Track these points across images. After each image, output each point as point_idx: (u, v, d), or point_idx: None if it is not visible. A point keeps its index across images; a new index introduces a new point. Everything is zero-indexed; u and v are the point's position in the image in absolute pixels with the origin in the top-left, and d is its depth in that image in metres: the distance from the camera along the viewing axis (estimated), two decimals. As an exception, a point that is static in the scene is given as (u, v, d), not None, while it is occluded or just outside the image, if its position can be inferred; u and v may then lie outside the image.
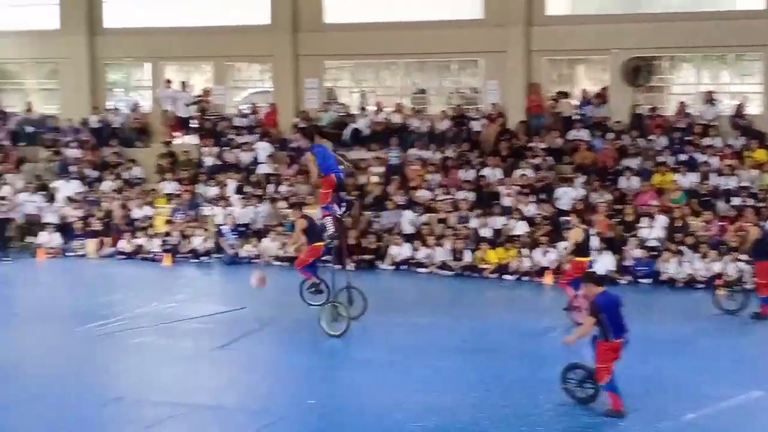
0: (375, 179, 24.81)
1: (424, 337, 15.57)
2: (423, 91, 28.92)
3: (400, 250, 22.12)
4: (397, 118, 27.20)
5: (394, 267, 21.98)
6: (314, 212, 17.71)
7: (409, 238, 22.45)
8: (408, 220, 22.98)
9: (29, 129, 29.77)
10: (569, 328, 15.03)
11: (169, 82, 28.91)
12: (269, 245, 22.80)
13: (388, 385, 12.63)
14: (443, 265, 21.53)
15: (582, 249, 16.21)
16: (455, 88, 28.84)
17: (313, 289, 16.80)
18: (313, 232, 16.82)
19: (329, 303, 15.94)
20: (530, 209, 22.65)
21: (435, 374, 13.23)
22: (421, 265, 21.75)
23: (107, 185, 26.19)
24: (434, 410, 11.57)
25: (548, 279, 20.29)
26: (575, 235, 16.30)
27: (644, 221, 21.53)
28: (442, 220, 22.92)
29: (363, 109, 27.92)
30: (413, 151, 26.01)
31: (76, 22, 29.85)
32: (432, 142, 26.24)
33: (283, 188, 24.91)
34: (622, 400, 11.42)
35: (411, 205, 23.58)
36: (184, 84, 28.63)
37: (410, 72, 29.18)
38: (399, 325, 16.34)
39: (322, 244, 16.72)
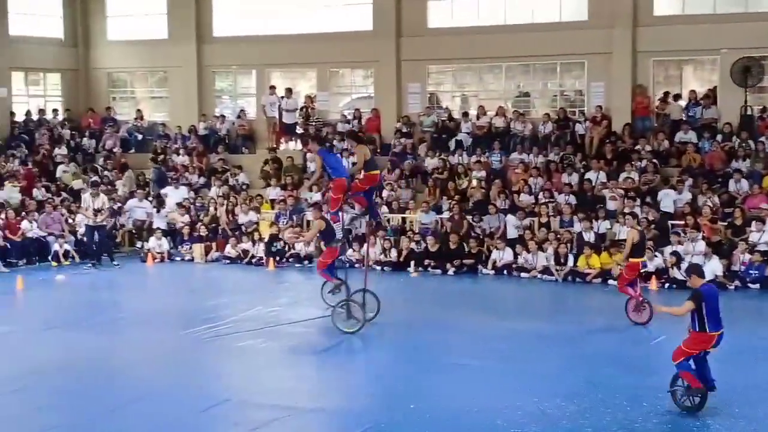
0: (476, 183, 24.73)
1: (526, 342, 15.43)
2: (526, 94, 28.73)
3: (502, 255, 21.99)
4: (499, 122, 27.07)
5: (495, 271, 21.86)
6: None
7: (511, 243, 22.30)
8: (511, 225, 22.82)
9: (139, 136, 30.61)
10: (676, 334, 14.69)
11: (272, 88, 29.34)
12: (370, 250, 22.88)
13: (487, 391, 12.54)
14: (545, 270, 21.32)
15: (637, 249, 16.39)
16: (559, 91, 28.56)
17: (336, 290, 16.77)
18: (332, 233, 16.83)
19: (343, 301, 16.10)
20: (636, 213, 22.22)
21: (536, 380, 13.08)
22: (523, 269, 21.58)
23: (214, 191, 26.71)
24: (535, 417, 11.44)
25: (654, 284, 19.90)
26: (632, 236, 16.46)
27: (754, 225, 20.95)
28: (544, 225, 22.71)
29: (465, 113, 27.86)
30: (515, 155, 25.86)
31: (185, 32, 30.57)
32: (535, 145, 26.05)
33: (385, 193, 25.01)
34: (697, 378, 11.19)
35: (513, 209, 23.42)
36: (289, 90, 29.01)
37: (513, 75, 29.03)
38: (500, 330, 16.24)
39: (338, 247, 16.83)
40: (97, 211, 22.93)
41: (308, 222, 24.56)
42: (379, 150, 27.08)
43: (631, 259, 16.41)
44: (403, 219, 24.38)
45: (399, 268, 22.40)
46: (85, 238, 23.77)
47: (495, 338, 15.73)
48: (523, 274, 21.49)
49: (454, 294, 20.20)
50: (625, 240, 21.05)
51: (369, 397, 12.51)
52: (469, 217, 23.43)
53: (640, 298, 16.35)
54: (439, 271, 22.11)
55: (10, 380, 13.15)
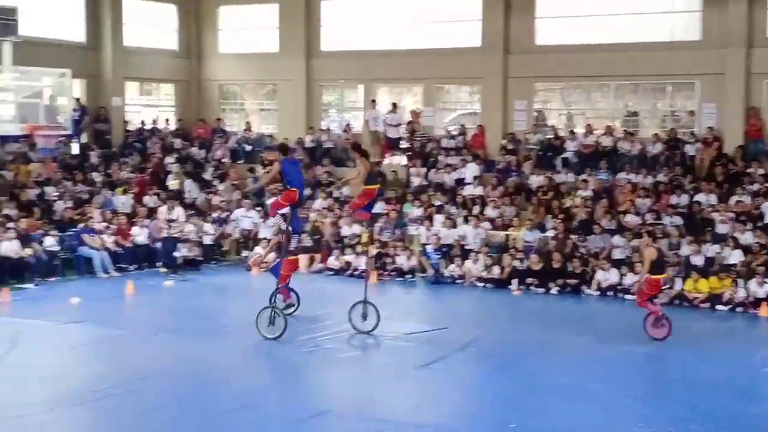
0: (581, 202, 24.47)
1: (630, 364, 15.20)
2: (635, 114, 28.32)
3: (607, 276, 21.68)
4: (607, 141, 26.74)
5: (599, 292, 21.56)
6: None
7: (616, 264, 21.97)
8: (616, 245, 22.49)
9: (247, 147, 31.16)
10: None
11: (373, 102, 29.53)
12: (472, 266, 22.85)
13: (590, 412, 12.37)
14: (651, 293, 20.91)
15: (657, 266, 16.75)
16: (669, 111, 28.07)
17: (288, 308, 17.32)
18: (287, 247, 17.22)
19: (267, 307, 16.41)
20: (746, 237, 21.71)
21: (639, 403, 12.86)
22: (628, 291, 21.23)
23: (319, 203, 27.00)
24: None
25: (764, 311, 19.36)
26: (649, 254, 16.80)
27: None
28: (651, 246, 22.27)
29: (572, 131, 27.60)
30: (623, 175, 25.50)
31: (295, 46, 31.05)
32: (643, 165, 25.63)
33: (489, 210, 24.93)
34: None
35: (619, 229, 23.08)
36: (393, 105, 29.16)
37: (622, 94, 28.65)
38: (602, 352, 16.02)
39: (296, 258, 17.42)
40: (170, 222, 23.19)
41: (411, 236, 24.66)
42: (483, 166, 26.97)
43: (650, 276, 16.66)
44: (507, 236, 24.24)
45: (501, 285, 22.28)
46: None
47: (598, 359, 15.52)
48: (627, 296, 21.13)
49: (557, 314, 19.99)
50: (733, 265, 20.68)
51: (470, 414, 12.47)
52: (574, 237, 23.17)
53: (660, 314, 16.67)
54: (542, 289, 21.92)
55: (119, 383, 13.50)
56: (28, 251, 21.75)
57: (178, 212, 24.05)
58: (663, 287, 17.52)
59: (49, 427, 11.44)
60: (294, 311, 17.60)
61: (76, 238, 23.13)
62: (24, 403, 12.31)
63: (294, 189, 16.51)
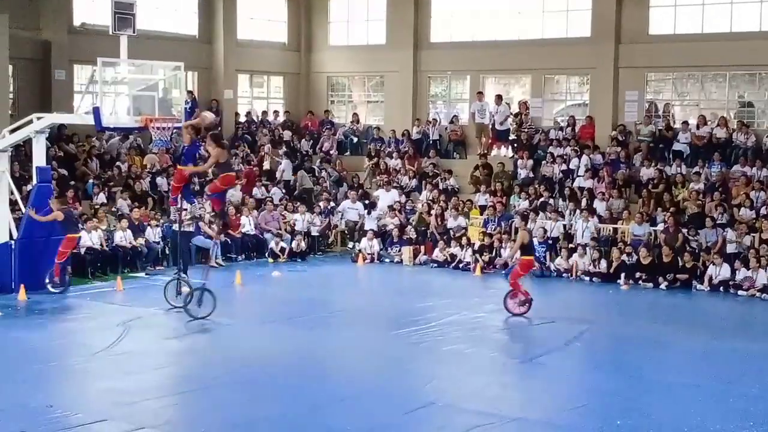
0: (693, 195, 23.91)
1: (744, 363, 14.78)
2: (750, 105, 27.50)
3: (719, 271, 21.13)
4: (721, 133, 26.04)
5: (710, 288, 21.04)
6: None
7: (728, 258, 21.41)
8: (729, 240, 21.92)
9: (354, 139, 31.37)
10: None
11: (480, 94, 29.37)
12: (579, 260, 22.55)
13: (699, 411, 12.09)
14: (765, 289, 20.33)
15: (527, 249, 18.21)
16: (787, 102, 27.19)
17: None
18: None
19: (175, 277, 17.77)
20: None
21: (752, 403, 12.52)
22: (740, 287, 20.66)
23: (425, 195, 27.02)
24: (750, 442, 10.99)
25: None
26: (522, 236, 18.26)
27: None
28: (765, 241, 21.65)
29: (685, 122, 26.95)
30: (737, 167, 24.81)
31: (403, 37, 31.05)
32: (758, 158, 24.88)
33: (597, 203, 24.56)
34: None
35: (731, 223, 22.48)
36: (498, 97, 28.94)
37: (737, 84, 27.86)
38: (715, 349, 15.65)
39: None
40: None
41: (516, 229, 24.48)
42: (593, 158, 26.58)
43: (523, 257, 18.01)
44: (615, 230, 23.86)
45: (609, 279, 21.93)
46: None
47: (709, 357, 15.19)
48: (740, 292, 20.58)
49: (667, 309, 19.59)
50: None
51: (574, 410, 12.31)
52: (685, 230, 22.66)
53: (528, 295, 17.93)
54: (650, 284, 21.50)
55: (228, 372, 13.77)
56: (140, 241, 22.32)
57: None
58: (533, 267, 19.11)
59: (160, 414, 11.72)
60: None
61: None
62: (136, 390, 12.65)
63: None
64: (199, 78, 30.52)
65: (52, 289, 18.79)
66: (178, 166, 18.20)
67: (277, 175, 28.58)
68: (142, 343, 15.52)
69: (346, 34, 32.87)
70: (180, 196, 17.58)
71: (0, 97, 22.96)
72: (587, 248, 22.60)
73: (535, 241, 23.09)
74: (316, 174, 29.29)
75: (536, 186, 26.14)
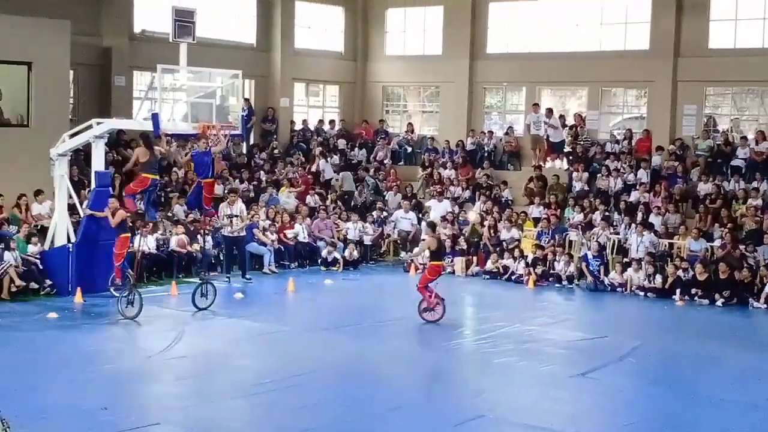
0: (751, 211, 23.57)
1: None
2: (811, 121, 27.06)
3: (777, 289, 20.80)
4: (780, 149, 25.65)
5: (767, 306, 20.70)
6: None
7: (787, 277, 21.07)
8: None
9: (408, 149, 31.41)
10: None
11: (536, 106, 29.27)
12: (633, 275, 22.32)
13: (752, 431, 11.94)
14: (825, 308, 20.00)
15: (437, 254, 18.51)
16: None
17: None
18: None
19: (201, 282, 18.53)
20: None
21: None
22: (799, 306, 20.34)
23: (478, 206, 26.96)
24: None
25: None
26: (429, 243, 18.48)
27: None
28: (826, 260, 21.29)
29: (744, 138, 26.58)
30: (797, 184, 24.42)
31: (459, 48, 31.06)
32: (818, 175, 24.47)
33: (653, 217, 24.30)
34: None
35: (791, 240, 22.14)
36: (549, 111, 28.81)
37: (798, 99, 27.45)
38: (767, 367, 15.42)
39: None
40: (230, 217, 22.40)
41: (570, 242, 24.32)
42: (648, 172, 26.33)
43: (432, 263, 18.29)
44: (671, 245, 23.60)
45: (664, 295, 21.68)
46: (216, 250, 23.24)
47: (764, 375, 14.92)
48: (798, 311, 20.27)
49: (722, 326, 19.30)
50: None
51: (627, 426, 12.19)
52: (742, 247, 22.33)
53: (433, 301, 17.91)
54: (706, 301, 21.22)
55: (279, 378, 13.83)
56: (195, 246, 22.53)
57: (241, 207, 23.63)
58: (441, 273, 18.79)
59: (213, 419, 11.82)
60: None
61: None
62: (189, 394, 12.78)
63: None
64: (256, 86, 30.78)
65: (114, 293, 18.96)
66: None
67: (321, 176, 28.95)
68: (195, 348, 15.67)
69: (403, 44, 32.95)
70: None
71: (61, 102, 23.33)
72: (642, 263, 22.36)
73: (589, 254, 22.97)
74: (366, 182, 29.38)
75: (591, 199, 25.94)
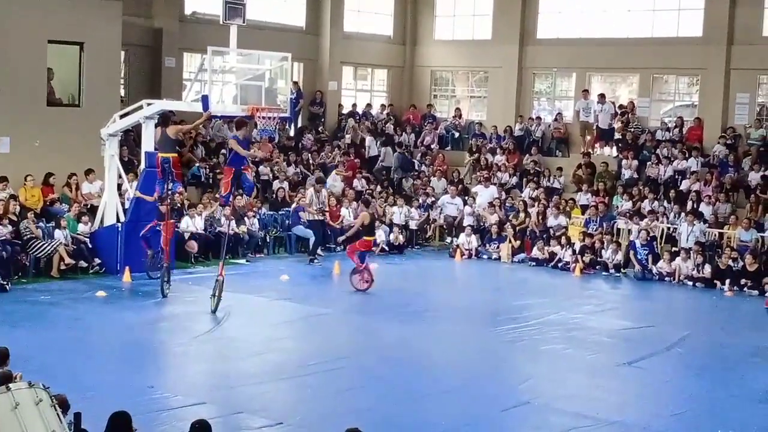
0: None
1: None
2: None
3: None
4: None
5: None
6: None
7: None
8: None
9: (456, 134, 31.29)
10: None
11: (585, 92, 29.01)
12: (682, 264, 22.07)
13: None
14: None
15: (368, 230, 19.71)
16: None
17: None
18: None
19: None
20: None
21: None
22: None
23: (526, 192, 26.80)
24: None
25: None
26: (363, 218, 19.74)
27: None
28: None
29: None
30: None
31: (509, 33, 30.82)
32: None
33: (703, 206, 24.00)
34: None
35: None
36: (602, 96, 28.55)
37: None
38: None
39: None
40: (320, 207, 23.64)
41: (618, 230, 24.11)
42: (701, 161, 26.00)
43: (365, 237, 19.51)
44: (720, 234, 23.29)
45: (712, 285, 21.41)
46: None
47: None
48: None
49: (773, 318, 19.06)
50: None
51: (673, 417, 12.09)
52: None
53: (362, 269, 19.19)
54: (756, 291, 20.93)
55: (323, 360, 13.88)
56: (242, 228, 22.65)
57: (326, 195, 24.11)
58: (373, 247, 20.79)
59: (258, 400, 11.90)
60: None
61: (289, 217, 23.90)
62: (235, 375, 12.88)
63: (231, 167, 17.27)
64: (305, 69, 30.79)
65: (152, 276, 19.07)
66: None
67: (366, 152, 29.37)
68: (241, 329, 15.76)
69: (452, 28, 32.78)
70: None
71: (112, 82, 23.50)
72: (691, 252, 22.10)
73: (637, 243, 22.74)
74: (417, 168, 29.34)
75: (640, 187, 25.67)
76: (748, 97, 27.23)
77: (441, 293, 20.34)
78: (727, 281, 21.22)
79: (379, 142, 29.68)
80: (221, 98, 19.00)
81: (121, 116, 20.30)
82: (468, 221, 25.62)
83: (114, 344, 14.47)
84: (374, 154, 29.42)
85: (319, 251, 23.23)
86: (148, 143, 19.87)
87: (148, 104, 19.86)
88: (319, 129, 30.10)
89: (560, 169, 27.75)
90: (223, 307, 16.85)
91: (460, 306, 18.70)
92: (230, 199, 18.43)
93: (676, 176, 25.94)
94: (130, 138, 23.40)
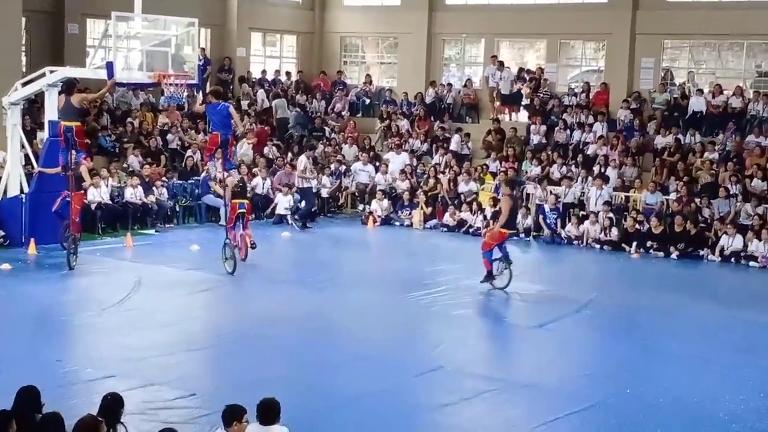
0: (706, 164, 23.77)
1: (752, 333, 14.76)
2: (767, 75, 27.25)
3: (731, 241, 21.01)
4: (736, 102, 25.82)
5: (721, 258, 20.94)
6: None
7: (741, 229, 21.29)
8: (743, 211, 21.78)
9: (366, 101, 31.20)
10: None
11: (494, 58, 29.20)
12: (590, 227, 22.44)
13: (709, 381, 12.10)
14: (778, 260, 20.27)
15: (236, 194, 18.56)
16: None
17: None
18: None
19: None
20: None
21: (761, 374, 12.48)
22: (752, 258, 20.57)
23: (436, 159, 26.89)
24: (759, 413, 10.95)
25: None
26: (230, 183, 18.32)
27: None
28: (778, 213, 21.55)
29: (700, 91, 26.72)
30: (752, 138, 24.62)
31: (417, -1, 30.79)
32: (773, 129, 24.68)
33: (610, 170, 24.41)
34: None
35: (745, 194, 22.34)
36: (501, 63, 28.79)
37: (754, 54, 27.60)
38: (725, 320, 15.63)
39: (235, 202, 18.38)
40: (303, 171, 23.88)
41: (528, 195, 24.37)
42: (606, 125, 26.41)
43: (233, 200, 18.25)
44: (627, 197, 23.74)
45: (619, 248, 21.84)
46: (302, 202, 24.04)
47: (719, 327, 15.17)
48: (752, 263, 20.50)
49: (677, 279, 19.53)
50: None
51: (584, 377, 12.32)
52: (697, 200, 22.53)
53: (237, 240, 18.24)
54: (661, 253, 21.42)
55: (236, 330, 13.81)
56: (151, 198, 22.30)
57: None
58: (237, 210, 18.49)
59: (170, 371, 11.74)
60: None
61: (198, 186, 23.56)
62: (146, 346, 12.67)
63: (215, 132, 17.29)
64: (212, 35, 30.30)
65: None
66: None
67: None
68: (151, 300, 15.52)
69: (360, -6, 32.61)
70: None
71: (12, 50, 22.78)
72: (599, 215, 22.48)
73: (546, 207, 23.06)
74: (327, 135, 29.20)
75: (549, 152, 25.98)
76: (653, 62, 27.71)
77: (354, 261, 20.33)
78: (634, 244, 21.66)
79: (271, 96, 29.80)
80: (127, 65, 18.58)
81: (23, 84, 19.70)
82: (380, 188, 25.60)
83: (20, 318, 14.11)
84: (266, 106, 29.52)
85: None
86: (51, 112, 19.34)
87: (51, 71, 19.29)
88: (230, 98, 29.67)
89: (468, 135, 27.87)
90: (132, 277, 16.59)
91: (373, 273, 18.71)
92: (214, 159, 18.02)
93: (584, 143, 26.29)
94: (34, 107, 22.75)
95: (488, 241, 17.22)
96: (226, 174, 18.00)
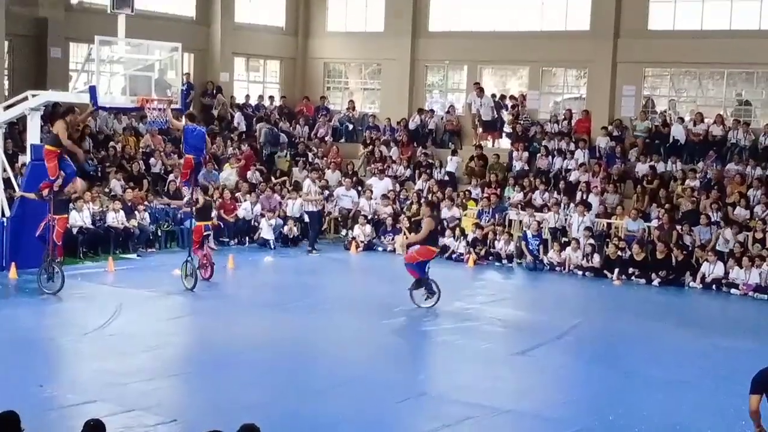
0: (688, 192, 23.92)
1: (734, 361, 14.76)
2: (747, 103, 27.51)
3: (713, 268, 21.11)
4: (717, 130, 26.02)
5: (703, 285, 21.03)
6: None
7: (722, 257, 21.40)
8: (723, 238, 21.91)
9: (350, 126, 31.26)
10: None
11: (476, 84, 29.34)
12: (572, 254, 22.51)
13: (690, 410, 12.11)
14: (758, 288, 20.34)
15: (201, 215, 19.19)
16: (784, 102, 27.17)
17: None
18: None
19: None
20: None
21: (741, 402, 12.46)
22: (733, 285, 20.67)
23: (419, 185, 26.94)
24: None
25: None
26: (203, 201, 19.30)
27: None
28: (759, 240, 21.66)
29: (681, 119, 26.94)
30: (732, 165, 24.81)
31: (401, 26, 30.94)
32: (754, 157, 24.87)
33: (592, 197, 24.51)
34: None
35: (726, 221, 22.48)
36: (481, 90, 28.94)
37: (734, 82, 27.85)
38: (706, 347, 15.66)
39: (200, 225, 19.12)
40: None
41: (510, 221, 24.44)
42: (587, 152, 26.56)
43: (198, 222, 18.99)
44: (609, 224, 23.84)
45: (601, 274, 21.90)
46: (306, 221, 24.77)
47: (700, 354, 15.19)
48: (733, 291, 20.59)
49: (659, 306, 19.58)
50: None
51: (566, 404, 12.32)
52: (679, 227, 22.64)
53: (203, 259, 18.85)
54: (643, 280, 21.49)
55: (218, 355, 13.74)
56: (133, 222, 22.23)
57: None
58: (202, 233, 19.29)
59: (151, 396, 11.66)
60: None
61: (181, 211, 23.51)
62: (127, 371, 12.60)
63: (189, 156, 17.84)
64: (196, 60, 30.37)
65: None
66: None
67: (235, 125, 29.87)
68: (133, 325, 15.44)
69: (345, 20, 32.74)
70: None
71: (-5, 73, 22.82)
72: (581, 242, 22.55)
73: (529, 233, 23.12)
74: (310, 160, 29.22)
75: (531, 178, 26.09)
76: (634, 90, 27.93)
77: (337, 286, 20.31)
78: (616, 270, 21.73)
79: (255, 121, 29.95)
80: (109, 89, 18.57)
81: (5, 108, 19.65)
82: (363, 213, 25.60)
83: (0, 342, 14.00)
84: (243, 129, 29.82)
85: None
86: (33, 136, 19.29)
87: (33, 95, 19.27)
88: (214, 122, 29.70)
89: (454, 151, 28.00)
90: (113, 302, 16.52)
91: (355, 298, 18.68)
92: (190, 186, 18.65)
93: (565, 169, 26.42)
94: (15, 131, 22.67)
95: (414, 255, 17.60)
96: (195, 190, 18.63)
